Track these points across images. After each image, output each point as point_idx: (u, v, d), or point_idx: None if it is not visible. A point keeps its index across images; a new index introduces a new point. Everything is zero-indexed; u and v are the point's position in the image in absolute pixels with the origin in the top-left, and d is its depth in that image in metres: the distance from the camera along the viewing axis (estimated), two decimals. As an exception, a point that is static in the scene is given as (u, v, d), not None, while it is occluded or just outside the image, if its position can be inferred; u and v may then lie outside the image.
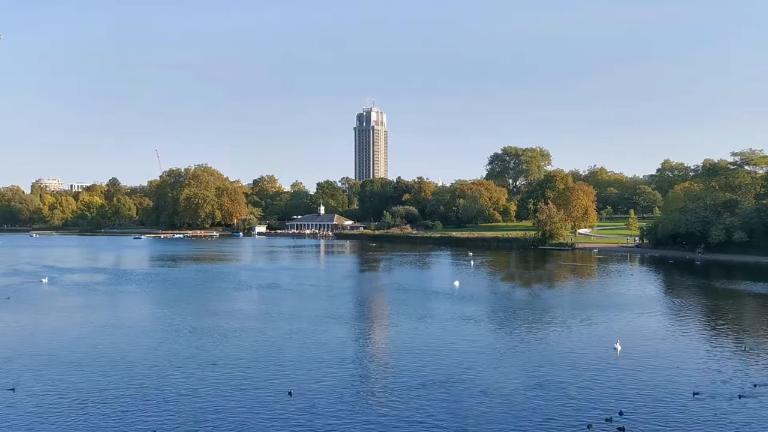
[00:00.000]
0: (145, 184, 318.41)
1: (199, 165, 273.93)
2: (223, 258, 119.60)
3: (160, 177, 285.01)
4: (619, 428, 23.45)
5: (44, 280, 74.82)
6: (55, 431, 23.95)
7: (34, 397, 27.88)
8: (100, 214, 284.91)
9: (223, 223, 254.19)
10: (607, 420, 24.42)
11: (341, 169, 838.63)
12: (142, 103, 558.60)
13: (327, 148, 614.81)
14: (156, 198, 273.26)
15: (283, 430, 23.90)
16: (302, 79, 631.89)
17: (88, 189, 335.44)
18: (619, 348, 36.15)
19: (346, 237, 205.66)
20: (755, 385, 29.18)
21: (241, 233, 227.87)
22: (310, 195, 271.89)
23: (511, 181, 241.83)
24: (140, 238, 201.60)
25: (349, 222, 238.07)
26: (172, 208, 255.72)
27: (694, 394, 27.84)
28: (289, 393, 28.23)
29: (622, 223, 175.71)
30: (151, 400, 27.28)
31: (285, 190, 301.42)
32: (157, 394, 28.13)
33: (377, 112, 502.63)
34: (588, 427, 23.82)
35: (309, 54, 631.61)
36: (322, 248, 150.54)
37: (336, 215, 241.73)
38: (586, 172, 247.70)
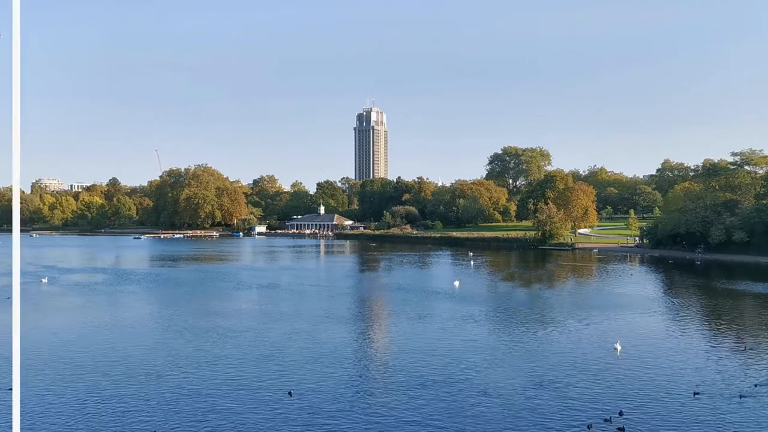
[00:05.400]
0: (145, 184, 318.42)
1: (199, 165, 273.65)
2: (223, 258, 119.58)
3: (160, 177, 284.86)
4: (618, 428, 23.44)
5: (44, 280, 74.73)
6: (55, 431, 23.95)
7: (33, 396, 27.84)
8: (100, 214, 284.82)
9: (223, 223, 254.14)
10: (606, 420, 24.41)
11: (341, 169, 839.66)
12: (142, 103, 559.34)
13: (327, 148, 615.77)
14: (156, 198, 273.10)
15: (282, 430, 23.91)
16: (302, 79, 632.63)
17: (88, 189, 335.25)
18: (618, 348, 36.14)
19: (346, 237, 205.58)
20: (755, 385, 29.15)
21: (241, 233, 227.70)
22: (310, 195, 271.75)
23: (511, 181, 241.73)
24: (140, 238, 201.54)
25: (349, 222, 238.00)
26: (172, 208, 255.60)
27: (694, 394, 27.82)
28: (289, 393, 28.24)
29: (622, 223, 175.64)
30: (151, 400, 27.27)
31: (285, 190, 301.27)
32: (156, 394, 28.12)
33: (377, 112, 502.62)
34: (588, 427, 23.80)
35: (309, 54, 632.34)
36: (322, 248, 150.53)
37: (336, 215, 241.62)
38: (586, 172, 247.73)
